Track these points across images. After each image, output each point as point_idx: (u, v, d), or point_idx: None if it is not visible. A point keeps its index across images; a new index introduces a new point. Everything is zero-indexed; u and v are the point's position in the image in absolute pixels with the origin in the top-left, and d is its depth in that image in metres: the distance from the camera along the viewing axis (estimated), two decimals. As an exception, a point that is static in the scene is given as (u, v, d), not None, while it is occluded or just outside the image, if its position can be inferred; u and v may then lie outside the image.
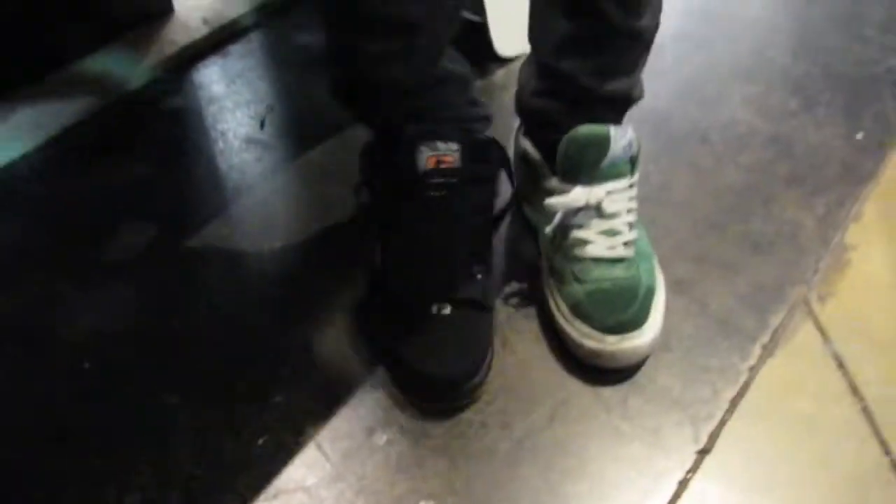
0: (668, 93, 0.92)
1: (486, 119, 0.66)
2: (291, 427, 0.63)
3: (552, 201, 0.66)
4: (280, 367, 0.67)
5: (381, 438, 0.62)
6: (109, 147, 0.88)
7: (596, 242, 0.66)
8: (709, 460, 0.61)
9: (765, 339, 0.68)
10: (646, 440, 0.61)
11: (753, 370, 0.66)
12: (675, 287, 0.71)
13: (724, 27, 1.02)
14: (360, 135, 0.87)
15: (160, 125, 0.90)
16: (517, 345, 0.68)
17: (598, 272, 0.65)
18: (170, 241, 0.78)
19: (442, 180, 0.63)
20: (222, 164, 0.85)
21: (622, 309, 0.64)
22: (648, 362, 0.66)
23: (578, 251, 0.66)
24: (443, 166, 0.62)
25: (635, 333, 0.63)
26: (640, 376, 0.65)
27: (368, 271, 0.69)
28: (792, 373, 0.66)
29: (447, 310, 0.63)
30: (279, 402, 0.64)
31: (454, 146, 0.63)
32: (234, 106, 0.92)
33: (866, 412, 0.63)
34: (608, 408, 0.63)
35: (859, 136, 0.86)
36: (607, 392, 0.64)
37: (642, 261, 0.67)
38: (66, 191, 0.83)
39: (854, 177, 0.81)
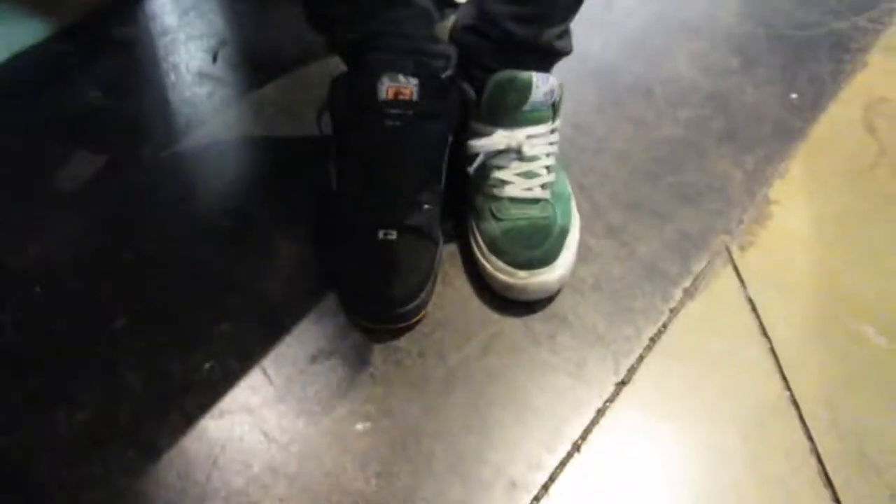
0: (615, 46, 0.95)
1: (447, 57, 0.69)
2: (237, 353, 0.66)
3: (474, 142, 0.71)
4: (228, 296, 0.70)
5: (323, 364, 0.66)
6: (59, 76, 0.87)
7: (514, 183, 0.70)
8: (626, 391, 0.66)
9: (686, 283, 0.73)
10: (570, 372, 0.66)
11: (673, 312, 0.71)
12: (607, 232, 0.76)
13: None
14: (314, 72, 0.89)
15: (111, 55, 0.90)
16: (455, 280, 0.72)
17: (515, 211, 0.70)
18: (120, 171, 0.79)
19: (398, 111, 0.66)
20: (174, 97, 0.86)
21: (535, 246, 0.68)
22: (577, 301, 0.71)
23: (497, 191, 0.70)
24: (400, 98, 0.65)
25: (545, 269, 0.68)
26: (568, 313, 0.70)
27: (322, 196, 0.72)
28: (709, 315, 0.72)
29: (393, 235, 0.67)
30: (226, 329, 0.67)
31: (413, 80, 0.66)
32: (186, 39, 0.92)
33: (772, 352, 0.70)
34: (537, 342, 0.68)
35: (793, 96, 0.90)
36: (538, 327, 0.69)
37: (559, 202, 0.71)
38: (13, 119, 0.83)
39: (785, 135, 0.86)
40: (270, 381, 0.65)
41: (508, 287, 0.68)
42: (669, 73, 0.92)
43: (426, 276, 0.68)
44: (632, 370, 0.67)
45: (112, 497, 0.58)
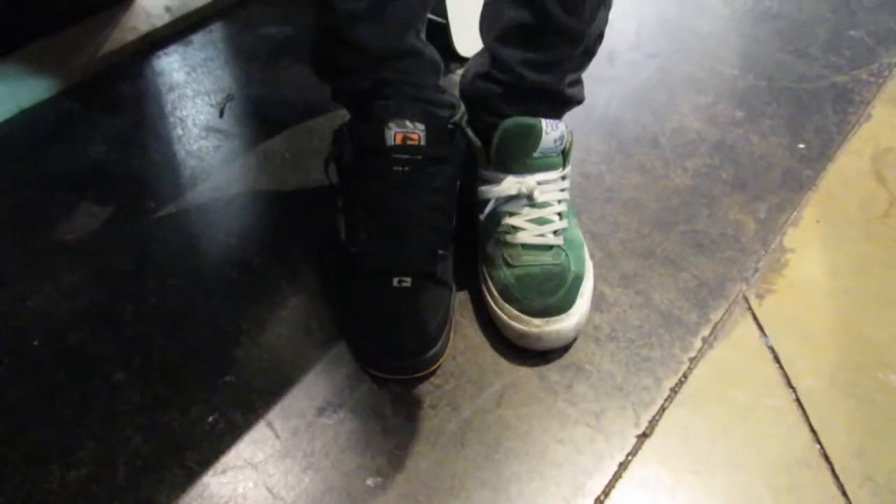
0: (620, 98, 0.97)
1: (453, 106, 0.70)
2: (241, 405, 0.64)
3: (484, 189, 0.71)
4: (232, 348, 0.68)
5: (331, 417, 0.64)
6: (67, 130, 0.88)
7: (526, 229, 0.70)
8: (648, 444, 0.64)
9: (705, 332, 0.72)
10: (589, 423, 0.64)
11: (693, 361, 0.70)
12: (621, 281, 0.75)
13: (676, 40, 1.08)
14: (320, 125, 0.90)
15: (118, 111, 0.91)
16: (467, 329, 0.71)
17: (528, 257, 0.69)
18: (124, 224, 0.79)
19: (407, 156, 0.66)
20: (180, 150, 0.87)
21: (549, 293, 0.67)
22: (594, 350, 0.70)
23: (509, 237, 0.70)
24: (408, 143, 0.66)
25: (561, 317, 0.67)
26: (585, 363, 0.68)
27: (332, 246, 0.72)
28: (729, 364, 0.70)
29: (408, 282, 0.66)
30: (230, 381, 0.66)
31: (420, 126, 0.66)
32: (193, 94, 0.94)
33: (798, 403, 0.68)
34: (554, 392, 0.66)
35: (801, 146, 0.91)
36: (554, 377, 0.67)
37: (571, 249, 0.71)
38: (20, 172, 0.84)
39: (795, 184, 0.87)
40: (276, 435, 0.63)
41: (523, 335, 0.67)
42: (675, 124, 0.93)
43: (443, 324, 0.67)
44: (653, 422, 0.65)
45: (106, 561, 0.56)
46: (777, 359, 0.71)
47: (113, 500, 0.58)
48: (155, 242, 0.77)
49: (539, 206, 0.70)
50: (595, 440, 0.64)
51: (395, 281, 0.66)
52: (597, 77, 0.99)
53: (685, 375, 0.69)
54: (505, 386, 0.67)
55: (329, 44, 0.69)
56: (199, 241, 0.78)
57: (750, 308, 0.75)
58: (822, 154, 0.91)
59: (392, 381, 0.66)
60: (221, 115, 0.91)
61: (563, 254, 0.70)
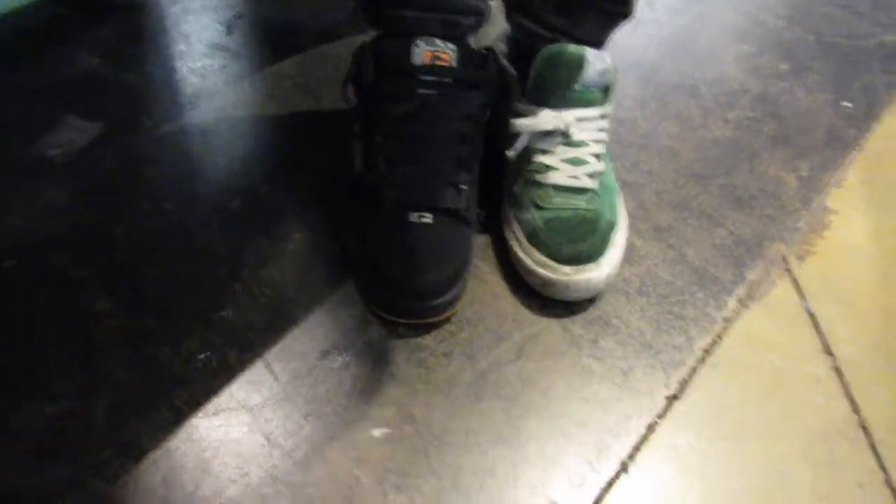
0: (658, 43, 0.90)
1: (479, 12, 0.63)
2: (238, 343, 0.58)
3: (520, 122, 0.64)
4: (230, 281, 0.62)
5: (335, 361, 0.58)
6: (57, 37, 0.80)
7: (560, 169, 0.64)
8: (678, 406, 0.58)
9: (741, 291, 0.66)
10: (615, 381, 0.59)
11: (728, 321, 0.64)
12: (654, 233, 0.69)
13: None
14: (335, 50, 0.82)
15: (116, 19, 0.83)
16: (487, 274, 0.64)
17: (559, 200, 0.63)
18: (116, 141, 0.71)
19: (435, 78, 0.59)
20: (182, 67, 0.79)
21: (580, 239, 0.61)
22: (622, 304, 0.63)
23: (540, 177, 0.64)
24: (438, 63, 0.59)
25: (591, 266, 0.61)
26: (613, 317, 0.62)
27: (345, 174, 0.65)
28: (766, 327, 0.64)
29: (428, 218, 0.60)
30: (226, 316, 0.59)
31: (451, 45, 0.59)
32: (199, 8, 0.85)
33: (837, 371, 0.62)
34: (578, 346, 0.60)
35: (847, 104, 0.84)
36: (579, 330, 0.61)
37: (606, 195, 0.64)
38: (6, 79, 0.76)
39: (839, 143, 0.80)
40: (275, 378, 0.56)
41: (549, 283, 0.61)
42: (716, 73, 0.86)
43: (462, 265, 0.60)
44: (683, 383, 0.59)
45: None
46: (816, 324, 0.65)
47: (92, 438, 0.52)
48: (150, 163, 0.70)
49: (575, 146, 0.63)
50: (621, 399, 0.58)
51: (414, 216, 0.60)
52: (635, 19, 0.91)
53: (719, 336, 0.63)
54: (525, 337, 0.60)
55: None
56: (198, 165, 0.70)
57: (789, 269, 0.68)
58: (868, 114, 0.84)
59: (403, 325, 0.60)
60: (229, 32, 0.83)
61: (598, 199, 0.63)
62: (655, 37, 0.90)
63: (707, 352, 0.62)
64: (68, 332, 0.58)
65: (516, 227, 0.64)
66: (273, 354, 0.58)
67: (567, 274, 0.60)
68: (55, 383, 0.55)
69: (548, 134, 0.63)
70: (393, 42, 0.60)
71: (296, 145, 0.73)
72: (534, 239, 0.62)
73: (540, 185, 0.63)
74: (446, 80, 0.59)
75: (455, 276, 0.59)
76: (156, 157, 0.70)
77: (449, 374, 0.58)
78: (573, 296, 0.61)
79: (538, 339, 0.60)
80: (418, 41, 0.59)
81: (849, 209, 0.74)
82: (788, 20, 0.95)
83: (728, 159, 0.77)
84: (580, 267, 0.60)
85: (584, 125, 0.63)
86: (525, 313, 0.62)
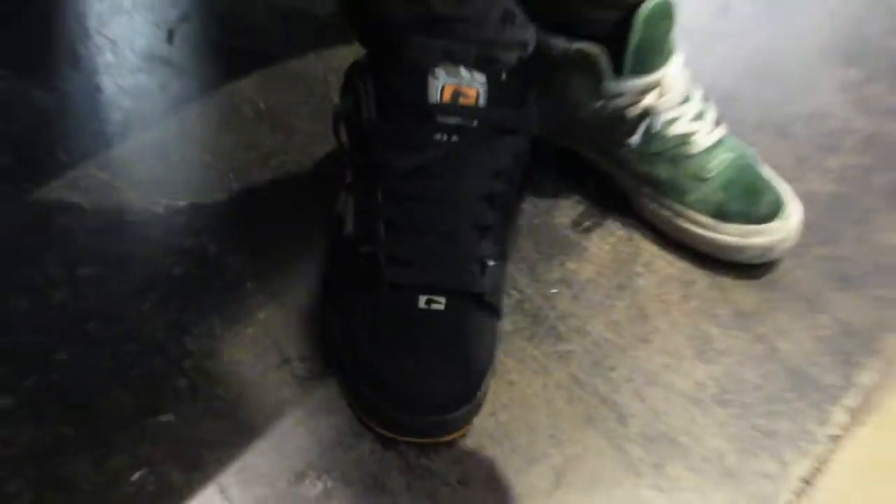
0: (736, 65, 0.95)
1: (523, 45, 0.67)
2: (183, 460, 0.60)
3: (634, 106, 0.74)
4: (172, 377, 0.65)
5: (313, 487, 0.60)
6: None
7: (699, 130, 0.76)
8: (771, 558, 0.61)
9: (851, 400, 0.69)
10: (687, 523, 0.62)
11: (835, 440, 0.67)
12: (735, 321, 0.73)
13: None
14: (310, 68, 0.87)
15: (20, 23, 0.88)
16: (515, 374, 0.68)
17: (715, 163, 0.76)
18: (22, 180, 0.75)
19: (457, 121, 0.63)
20: (109, 84, 0.84)
21: (760, 190, 0.75)
22: (694, 416, 0.67)
23: (688, 148, 0.76)
24: (461, 101, 0.63)
25: (787, 210, 0.74)
26: (681, 434, 0.66)
27: (331, 239, 0.68)
28: (885, 448, 0.68)
29: (440, 303, 0.63)
30: (168, 422, 0.62)
31: (480, 77, 0.63)
32: (131, 7, 0.90)
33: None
34: (637, 472, 0.63)
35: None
36: (636, 451, 0.64)
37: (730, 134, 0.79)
38: None
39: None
40: (232, 507, 0.59)
41: (769, 248, 0.74)
42: (812, 107, 0.91)
43: (485, 367, 0.63)
44: (778, 526, 0.63)
45: None
46: (949, 448, 0.69)
47: (-15, 587, 0.54)
48: (64, 213, 0.73)
49: (689, 100, 0.76)
50: (695, 547, 0.61)
51: (423, 300, 0.63)
52: (703, 32, 0.97)
53: (823, 461, 0.66)
54: (566, 459, 0.63)
55: None
56: (129, 216, 0.74)
57: (913, 377, 0.73)
58: None
59: (406, 444, 0.63)
60: (170, 40, 0.88)
61: (732, 140, 0.78)
62: (731, 56, 0.96)
63: (807, 482, 0.65)
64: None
65: (692, 213, 0.76)
66: (229, 476, 0.60)
67: (776, 229, 0.73)
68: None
69: (664, 98, 0.74)
70: (402, 70, 0.64)
71: (256, 192, 0.77)
72: (723, 213, 0.75)
73: (692, 156, 0.76)
74: (472, 123, 0.63)
75: (477, 379, 0.62)
76: (73, 204, 0.74)
77: (465, 507, 0.60)
78: (791, 244, 0.75)
79: (583, 461, 0.63)
80: (437, 70, 0.62)
81: None
82: (904, 38, 1.01)
83: (829, 222, 0.81)
84: (780, 217, 0.74)
85: (684, 71, 0.76)
86: (565, 426, 0.65)
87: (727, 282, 0.76)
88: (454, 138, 0.63)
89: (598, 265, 0.76)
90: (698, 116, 0.77)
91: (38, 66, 0.84)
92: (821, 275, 0.77)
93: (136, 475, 0.59)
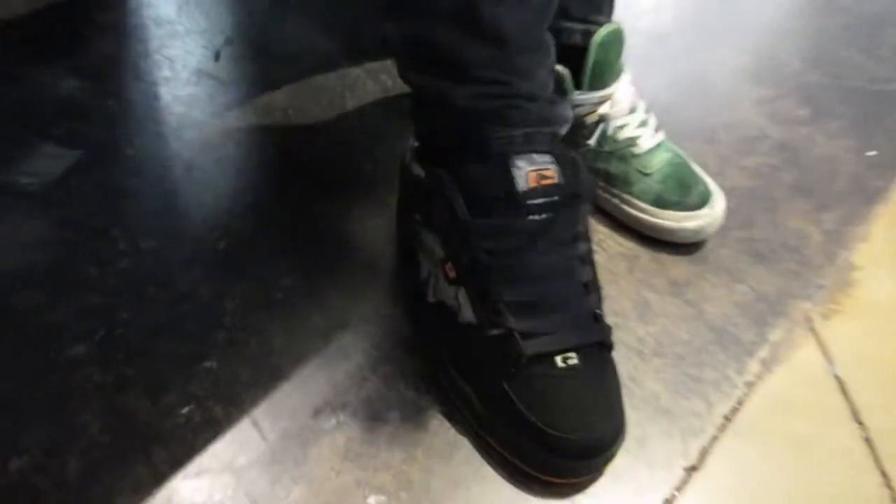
0: (671, 84, 0.93)
1: (567, 120, 0.62)
2: (223, 398, 0.58)
3: (593, 115, 0.74)
4: (215, 330, 0.62)
5: (328, 421, 0.58)
6: (37, 57, 0.82)
7: (642, 135, 0.75)
8: (697, 478, 0.59)
9: (763, 353, 0.67)
10: (630, 450, 0.59)
11: (749, 386, 0.65)
12: (670, 288, 0.71)
13: (734, 25, 1.04)
14: (330, 83, 0.84)
15: (96, 42, 0.85)
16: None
17: (656, 161, 0.75)
18: (95, 171, 0.72)
19: (544, 200, 0.57)
20: (166, 94, 0.80)
21: (693, 183, 0.75)
22: (636, 365, 0.65)
23: (634, 149, 0.75)
24: (544, 182, 0.56)
25: (715, 197, 0.74)
26: (627, 380, 0.63)
27: (443, 325, 0.60)
28: (790, 392, 0.66)
29: (574, 359, 0.57)
30: (211, 368, 0.60)
31: (548, 158, 0.57)
32: (185, 32, 0.87)
33: (868, 441, 0.64)
34: (591, 409, 0.61)
35: (871, 153, 0.88)
36: (591, 392, 0.62)
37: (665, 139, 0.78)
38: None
39: (864, 194, 0.83)
40: (263, 437, 0.57)
41: (699, 230, 0.73)
42: (733, 118, 0.89)
43: (622, 402, 0.59)
44: (703, 453, 0.60)
45: (48, 571, 0.49)
46: (843, 389, 0.67)
47: (62, 497, 0.52)
48: (129, 197, 0.71)
49: (636, 110, 0.75)
50: (637, 471, 0.58)
51: (560, 360, 0.57)
52: (646, 58, 0.94)
53: (740, 402, 0.64)
54: (534, 398, 0.61)
55: (447, 30, 0.56)
56: (181, 201, 0.72)
57: (813, 329, 0.70)
58: (893, 164, 0.87)
59: (404, 386, 0.60)
60: (217, 58, 0.85)
61: (669, 143, 0.77)
62: (668, 77, 0.93)
63: (728, 418, 0.63)
64: (38, 380, 0.58)
65: (636, 201, 0.75)
66: (261, 411, 0.58)
67: (707, 214, 0.73)
68: (22, 435, 0.55)
69: (616, 108, 0.74)
70: (484, 166, 0.57)
71: (287, 184, 0.74)
72: (662, 202, 0.74)
73: (637, 155, 0.75)
74: (555, 198, 0.57)
75: (622, 414, 0.58)
76: (136, 190, 0.71)
77: (452, 437, 0.58)
78: (716, 228, 0.74)
79: (548, 400, 0.61)
80: (517, 161, 0.56)
81: (876, 265, 0.77)
82: (808, 62, 0.99)
83: (746, 210, 0.79)
84: (708, 205, 0.73)
85: (631, 89, 0.76)
86: (534, 372, 0.63)
87: (664, 258, 0.73)
88: (544, 216, 0.57)
89: (560, 243, 0.74)
90: (642, 124, 0.75)
91: (109, 79, 0.81)
92: (739, 252, 0.75)
93: (185, 410, 0.57)
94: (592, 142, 0.75)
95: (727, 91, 0.93)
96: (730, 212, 0.78)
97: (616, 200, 0.76)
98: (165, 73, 0.83)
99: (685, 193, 0.74)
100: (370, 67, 0.86)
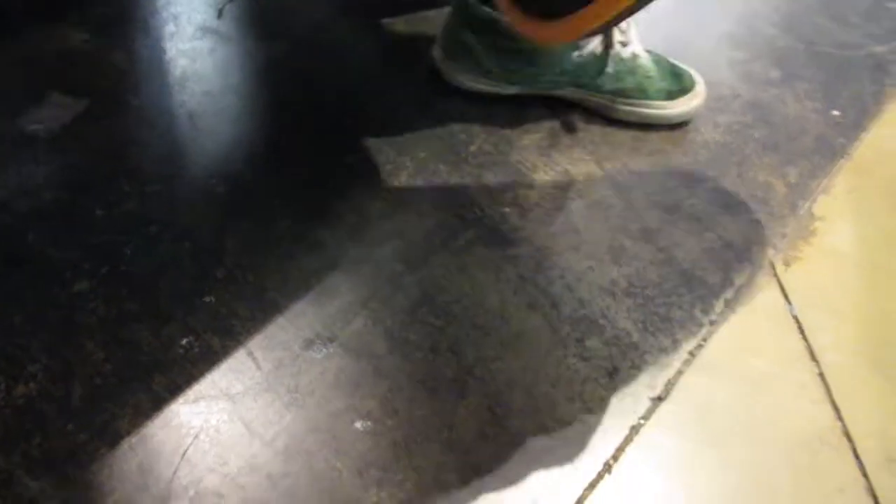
0: (652, 45, 0.89)
1: None
2: (220, 330, 0.56)
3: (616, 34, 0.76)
4: (213, 267, 0.60)
5: (319, 351, 0.56)
6: (46, 10, 0.78)
7: (638, 47, 0.79)
8: (663, 408, 0.58)
9: (728, 295, 0.65)
10: (600, 382, 0.58)
11: (714, 325, 0.63)
12: (643, 234, 0.68)
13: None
14: (330, 39, 0.81)
15: (103, -1, 0.81)
16: (476, 270, 0.63)
17: (650, 65, 0.79)
18: (102, 119, 0.69)
19: None
20: (171, 48, 0.77)
21: (678, 70, 0.80)
22: (609, 304, 0.63)
23: (638, 60, 0.78)
24: None
25: (694, 76, 0.80)
26: (600, 317, 0.62)
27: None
28: (752, 331, 0.64)
29: None
30: (209, 302, 0.58)
31: None
32: (190, -10, 0.84)
33: (822, 378, 0.62)
34: (565, 344, 0.59)
35: (835, 113, 0.84)
36: (566, 328, 0.60)
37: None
38: (-14, 54, 0.74)
39: (827, 151, 0.80)
40: (257, 366, 0.55)
41: (695, 108, 0.78)
42: (709, 78, 0.85)
43: None
44: (669, 385, 0.59)
45: (55, 488, 0.48)
46: (801, 329, 0.65)
47: (66, 421, 0.50)
48: (134, 144, 0.68)
49: (627, 27, 0.79)
50: (606, 400, 0.57)
51: None
52: (632, 19, 0.90)
53: (704, 339, 0.62)
54: (512, 335, 0.59)
55: None
56: (184, 148, 0.69)
57: (776, 274, 0.68)
58: (856, 123, 0.84)
59: (391, 321, 0.59)
60: (220, 15, 0.81)
61: (651, 53, 0.80)
62: (649, 39, 0.89)
63: (692, 354, 0.61)
64: (45, 312, 0.56)
65: (651, 103, 0.77)
66: (256, 343, 0.56)
67: (701, 89, 0.79)
68: (29, 363, 0.53)
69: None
70: None
71: (284, 133, 0.71)
72: (671, 94, 0.78)
73: (641, 65, 0.78)
74: None
75: None
76: (141, 138, 0.69)
77: (434, 368, 0.57)
78: (703, 103, 0.79)
79: (524, 336, 0.60)
80: None
81: (836, 217, 0.74)
82: (781, 28, 0.95)
83: (718, 163, 0.76)
84: (697, 84, 0.79)
85: None
86: (511, 309, 0.61)
87: (639, 205, 0.71)
88: None
89: (541, 192, 0.71)
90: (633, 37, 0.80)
91: (117, 32, 0.77)
92: (709, 202, 0.72)
93: (184, 341, 0.55)
94: (610, 67, 0.76)
95: (704, 53, 0.89)
96: (701, 164, 0.76)
97: (640, 109, 0.79)
98: (171, 28, 0.79)
99: (681, 80, 0.79)
100: (369, 23, 0.83)
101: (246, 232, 0.63)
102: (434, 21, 0.83)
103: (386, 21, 0.84)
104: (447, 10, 0.76)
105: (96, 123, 0.69)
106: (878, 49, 0.94)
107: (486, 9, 0.72)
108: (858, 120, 0.84)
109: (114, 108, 0.70)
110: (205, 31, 0.79)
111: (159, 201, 0.64)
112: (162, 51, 0.76)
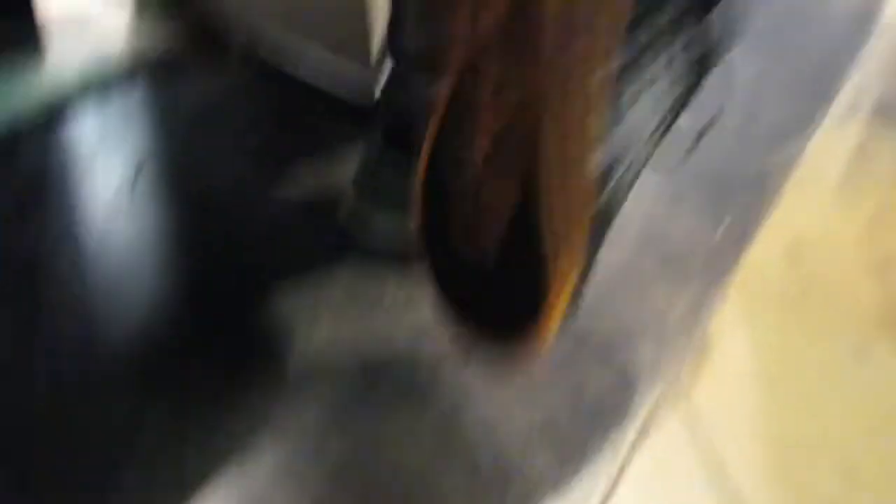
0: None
1: None
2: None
3: None
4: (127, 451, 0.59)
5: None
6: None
7: None
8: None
9: (637, 423, 0.67)
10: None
11: (625, 461, 0.65)
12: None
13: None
14: (244, 200, 0.82)
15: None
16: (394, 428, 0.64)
17: None
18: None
19: None
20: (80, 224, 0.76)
21: None
22: (526, 444, 0.64)
23: None
24: None
25: None
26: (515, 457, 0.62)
27: None
28: (662, 462, 0.66)
29: None
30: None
31: None
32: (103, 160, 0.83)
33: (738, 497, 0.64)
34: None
35: (723, 228, 0.90)
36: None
37: None
38: None
39: (719, 267, 0.85)
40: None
41: None
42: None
43: None
44: None
45: None
46: (709, 450, 0.67)
47: None
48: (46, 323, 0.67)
49: None
50: None
51: None
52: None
53: (621, 470, 0.64)
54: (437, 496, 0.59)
55: None
56: (98, 328, 0.68)
57: (681, 397, 0.71)
58: (742, 237, 0.90)
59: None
60: (132, 188, 0.81)
61: None
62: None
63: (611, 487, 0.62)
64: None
65: None
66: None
67: None
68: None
69: None
70: None
71: (198, 296, 0.72)
72: None
73: None
74: None
75: None
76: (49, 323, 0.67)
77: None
78: None
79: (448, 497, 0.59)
80: None
81: (731, 334, 0.78)
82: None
83: (617, 289, 0.80)
84: None
85: None
86: (434, 467, 0.61)
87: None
88: None
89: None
90: None
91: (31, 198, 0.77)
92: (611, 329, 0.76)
93: None
94: None
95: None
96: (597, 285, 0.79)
97: None
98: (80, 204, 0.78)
99: None
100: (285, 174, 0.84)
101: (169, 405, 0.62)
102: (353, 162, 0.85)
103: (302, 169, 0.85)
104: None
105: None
106: (759, 161, 1.01)
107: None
108: (743, 234, 0.90)
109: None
110: (113, 207, 0.79)
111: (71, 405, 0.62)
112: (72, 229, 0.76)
